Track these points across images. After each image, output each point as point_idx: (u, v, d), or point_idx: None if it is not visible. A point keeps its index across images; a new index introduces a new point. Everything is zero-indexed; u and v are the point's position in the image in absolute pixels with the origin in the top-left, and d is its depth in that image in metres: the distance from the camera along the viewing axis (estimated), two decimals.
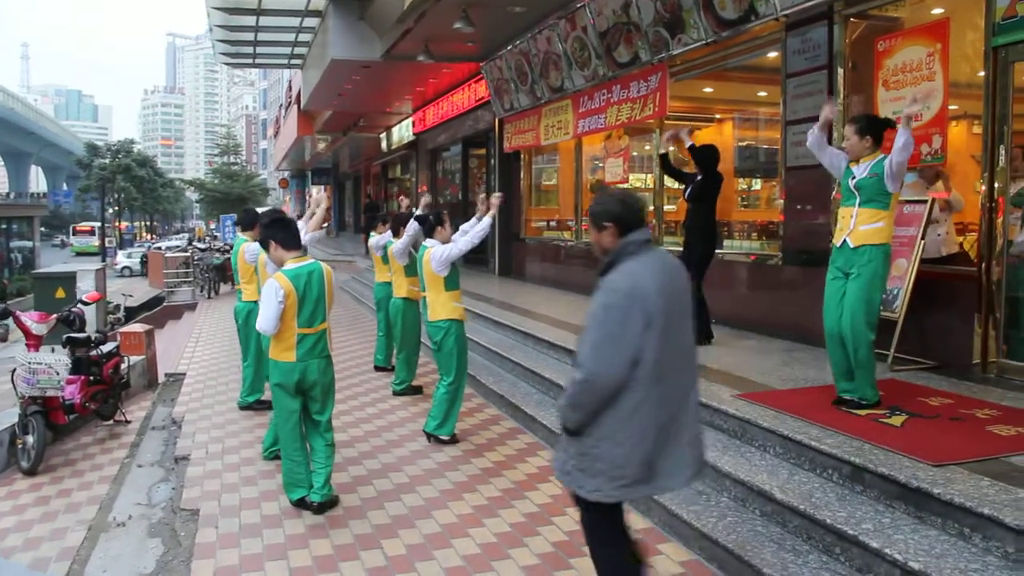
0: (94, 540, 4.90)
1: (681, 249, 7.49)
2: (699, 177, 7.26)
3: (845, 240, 4.98)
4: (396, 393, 7.92)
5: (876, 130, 4.98)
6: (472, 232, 6.37)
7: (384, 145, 27.29)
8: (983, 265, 5.83)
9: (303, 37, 17.85)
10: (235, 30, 16.83)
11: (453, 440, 6.26)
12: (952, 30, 6.07)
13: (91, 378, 7.02)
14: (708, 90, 11.23)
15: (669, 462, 2.96)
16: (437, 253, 6.10)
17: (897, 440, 4.20)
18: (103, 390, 7.15)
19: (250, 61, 20.91)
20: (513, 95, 14.36)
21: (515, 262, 15.62)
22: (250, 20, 16.01)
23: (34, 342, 6.65)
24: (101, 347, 7.34)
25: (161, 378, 9.52)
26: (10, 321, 8.52)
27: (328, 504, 4.92)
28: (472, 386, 8.08)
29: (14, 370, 6.46)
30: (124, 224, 64.53)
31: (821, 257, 6.33)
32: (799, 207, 7.65)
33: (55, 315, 7.35)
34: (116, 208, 61.10)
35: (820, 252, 6.69)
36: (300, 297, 4.73)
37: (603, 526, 3.12)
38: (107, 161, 61.78)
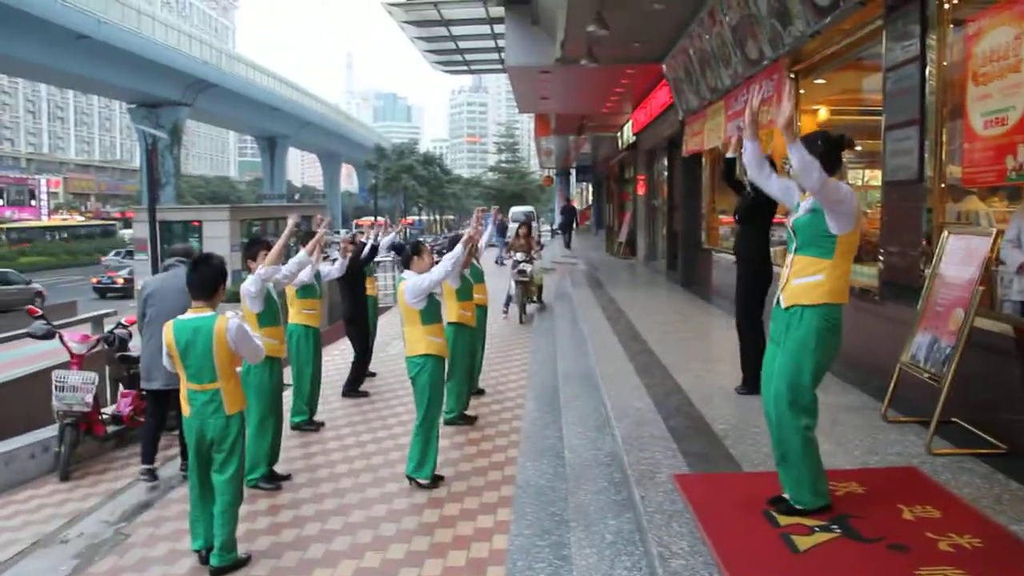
0: (27, 555, 5.17)
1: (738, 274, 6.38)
2: (750, 194, 6.14)
3: (778, 298, 3.88)
4: (446, 423, 7.60)
5: (828, 151, 3.78)
6: (443, 260, 5.91)
7: (619, 144, 26.74)
8: None
9: (502, 43, 17.97)
10: (434, 40, 17.36)
11: (434, 483, 5.84)
12: None
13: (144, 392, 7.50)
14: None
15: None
16: (411, 285, 5.77)
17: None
18: None
19: (464, 68, 21.52)
20: (687, 96, 13.30)
21: (697, 274, 14.49)
22: (443, 31, 16.42)
23: (76, 361, 7.22)
24: None
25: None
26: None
27: (224, 570, 4.58)
28: (523, 419, 7.56)
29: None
30: (411, 219, 69.00)
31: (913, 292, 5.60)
32: (898, 231, 6.18)
33: (97, 336, 7.97)
34: (403, 203, 66.40)
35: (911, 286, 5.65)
36: (181, 352, 4.57)
37: None
38: (393, 160, 67.24)
